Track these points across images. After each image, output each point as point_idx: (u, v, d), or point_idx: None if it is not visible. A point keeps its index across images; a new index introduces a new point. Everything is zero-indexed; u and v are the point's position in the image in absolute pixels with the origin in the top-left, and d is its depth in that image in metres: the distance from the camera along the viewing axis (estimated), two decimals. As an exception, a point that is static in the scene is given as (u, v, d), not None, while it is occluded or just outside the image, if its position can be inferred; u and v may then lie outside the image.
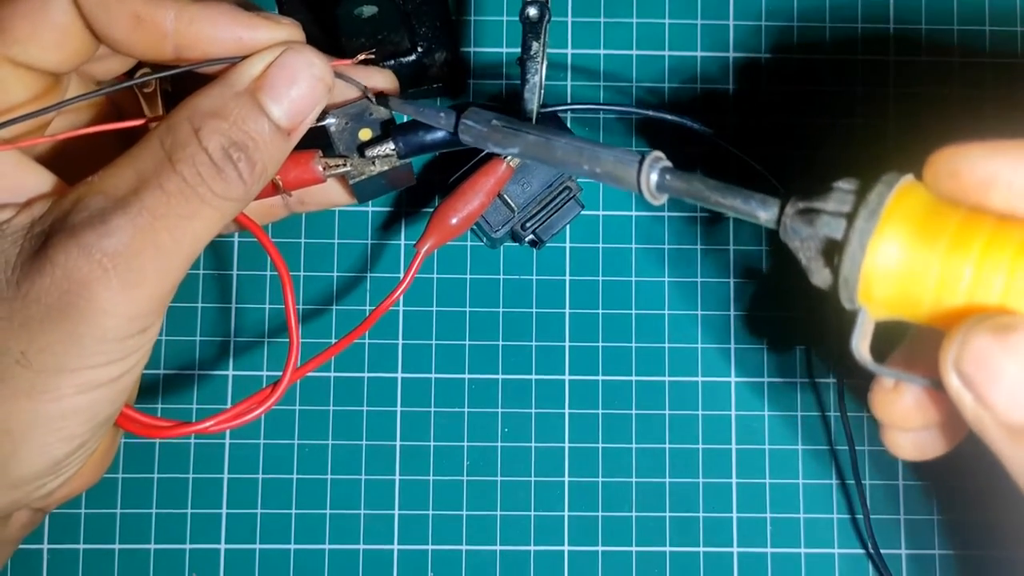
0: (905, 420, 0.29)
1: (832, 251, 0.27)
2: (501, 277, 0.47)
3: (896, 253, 0.26)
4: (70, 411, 0.30)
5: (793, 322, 0.47)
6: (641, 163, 0.29)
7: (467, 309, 0.47)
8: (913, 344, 0.30)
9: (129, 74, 0.34)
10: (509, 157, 0.36)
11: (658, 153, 0.29)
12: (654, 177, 0.29)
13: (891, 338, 0.30)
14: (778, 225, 0.28)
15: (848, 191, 0.27)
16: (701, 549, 0.46)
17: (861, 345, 0.27)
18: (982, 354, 0.24)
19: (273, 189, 0.34)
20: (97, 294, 0.28)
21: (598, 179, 0.30)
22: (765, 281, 0.48)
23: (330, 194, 0.38)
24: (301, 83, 0.31)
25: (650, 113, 0.45)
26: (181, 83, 0.32)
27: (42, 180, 0.31)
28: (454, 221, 0.36)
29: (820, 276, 0.27)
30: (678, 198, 0.29)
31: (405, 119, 0.35)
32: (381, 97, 0.35)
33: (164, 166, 0.29)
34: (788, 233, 0.28)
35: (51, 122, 0.34)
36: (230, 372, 0.47)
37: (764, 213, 0.28)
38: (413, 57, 0.46)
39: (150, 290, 0.29)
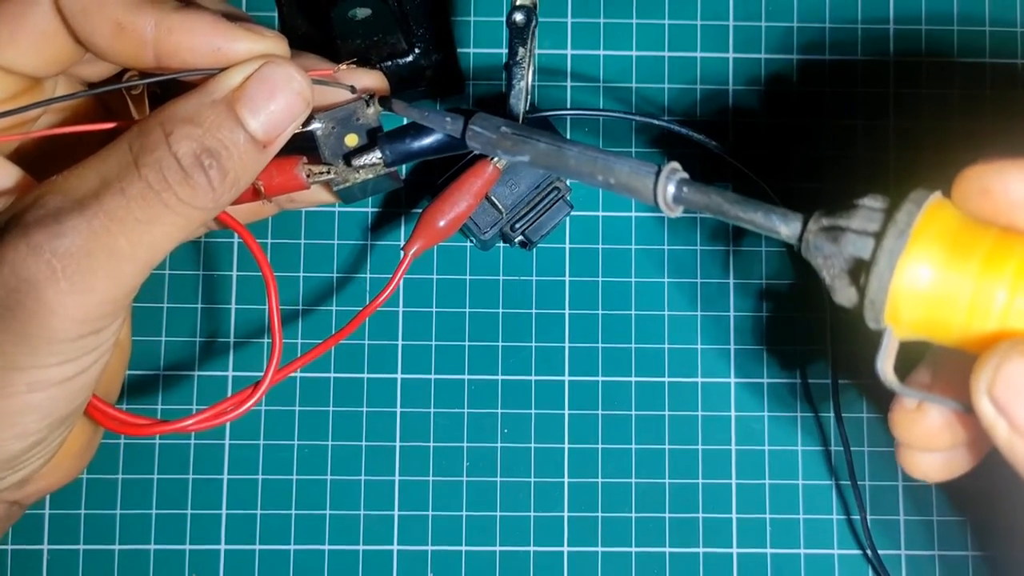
0: (926, 441, 0.29)
1: (858, 270, 0.26)
2: (501, 278, 0.47)
3: (926, 274, 0.25)
4: (23, 409, 0.30)
5: (792, 323, 0.47)
6: (658, 175, 0.29)
7: (467, 310, 0.47)
8: (936, 362, 0.30)
9: (118, 77, 0.34)
10: (496, 158, 0.36)
11: (675, 164, 0.29)
12: (671, 189, 0.29)
13: (906, 355, 0.30)
14: (800, 242, 0.27)
15: (875, 209, 0.26)
16: (701, 550, 0.46)
17: (886, 366, 0.27)
18: (1018, 380, 0.24)
19: (255, 195, 0.34)
20: (45, 294, 0.28)
21: (611, 189, 0.29)
22: (764, 282, 0.47)
23: (318, 194, 0.38)
24: (280, 97, 0.31)
25: (655, 122, 0.45)
26: (170, 87, 0.32)
27: (8, 176, 0.31)
28: (442, 223, 0.36)
29: (844, 295, 0.27)
30: (695, 210, 0.28)
31: (400, 120, 0.35)
32: (384, 100, 0.34)
33: (128, 169, 0.29)
34: (811, 250, 0.27)
35: (35, 121, 0.34)
36: (229, 373, 0.47)
37: (786, 229, 0.27)
38: (410, 58, 0.46)
39: (101, 295, 0.29)
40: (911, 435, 0.29)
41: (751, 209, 0.28)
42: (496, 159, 0.36)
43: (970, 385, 0.25)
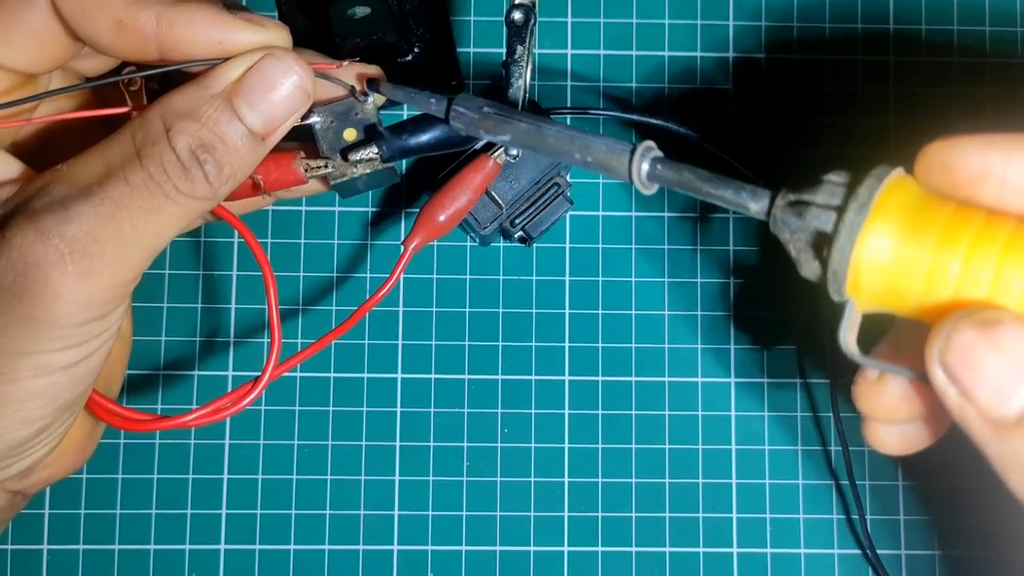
0: (887, 412, 0.30)
1: (822, 243, 0.27)
2: (501, 277, 0.47)
3: (885, 247, 0.26)
4: (28, 394, 0.30)
5: (793, 322, 0.47)
6: (633, 152, 0.29)
7: (467, 309, 0.47)
8: (898, 336, 0.30)
9: (116, 71, 0.34)
10: (496, 154, 0.36)
11: (649, 143, 0.29)
12: (645, 167, 0.29)
13: (880, 332, 0.30)
14: (768, 217, 0.28)
15: (838, 184, 0.27)
16: (701, 550, 0.46)
17: (848, 336, 0.28)
18: (967, 348, 0.25)
19: (254, 189, 0.34)
20: (52, 278, 0.29)
21: (589, 168, 0.30)
22: (765, 282, 0.47)
23: (313, 185, 0.38)
24: (279, 90, 0.31)
25: (634, 117, 0.45)
26: (169, 81, 0.32)
27: (11, 167, 0.32)
28: (442, 218, 0.36)
29: (809, 268, 0.27)
30: (669, 188, 0.29)
31: (399, 116, 0.35)
32: (372, 83, 0.34)
33: (131, 160, 0.30)
34: (778, 225, 0.28)
35: (32, 113, 0.34)
36: (229, 372, 0.47)
37: (755, 204, 0.28)
38: (409, 58, 0.46)
39: (107, 279, 0.30)
40: (872, 406, 0.30)
41: (722, 186, 0.28)
42: (496, 154, 0.36)
43: (924, 353, 0.26)
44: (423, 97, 0.33)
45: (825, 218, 0.27)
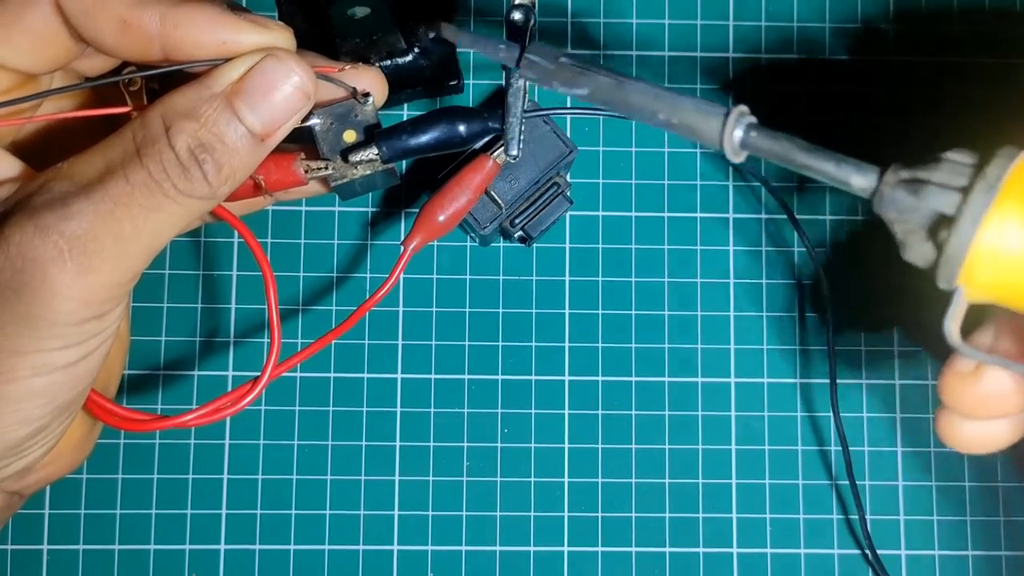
0: (974, 407, 0.28)
1: (937, 226, 0.25)
2: (501, 278, 0.47)
3: (1011, 233, 0.24)
4: (26, 393, 0.30)
5: (792, 323, 0.47)
6: (727, 117, 0.27)
7: (467, 310, 0.47)
8: (997, 327, 0.28)
9: (116, 71, 0.34)
10: (496, 154, 0.36)
11: (743, 108, 0.27)
12: (739, 133, 0.27)
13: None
14: (874, 195, 0.26)
15: (962, 163, 0.25)
16: (701, 550, 0.46)
17: (952, 326, 0.25)
18: None
19: (255, 190, 0.34)
20: (52, 275, 0.29)
21: (673, 130, 0.28)
22: (764, 282, 0.47)
23: (313, 186, 0.38)
24: (279, 91, 0.31)
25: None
26: (170, 81, 0.32)
27: (10, 166, 0.32)
28: (441, 218, 0.36)
29: (917, 252, 0.25)
30: (761, 157, 0.27)
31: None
32: (432, 25, 0.33)
33: (132, 159, 0.30)
34: (884, 203, 0.25)
35: (33, 112, 0.34)
36: (229, 372, 0.47)
37: (860, 180, 0.26)
38: (409, 57, 0.46)
39: (106, 277, 0.29)
40: (962, 400, 0.28)
41: (823, 158, 0.26)
42: (495, 154, 0.36)
43: None
44: (492, 43, 0.31)
45: (945, 199, 0.25)
